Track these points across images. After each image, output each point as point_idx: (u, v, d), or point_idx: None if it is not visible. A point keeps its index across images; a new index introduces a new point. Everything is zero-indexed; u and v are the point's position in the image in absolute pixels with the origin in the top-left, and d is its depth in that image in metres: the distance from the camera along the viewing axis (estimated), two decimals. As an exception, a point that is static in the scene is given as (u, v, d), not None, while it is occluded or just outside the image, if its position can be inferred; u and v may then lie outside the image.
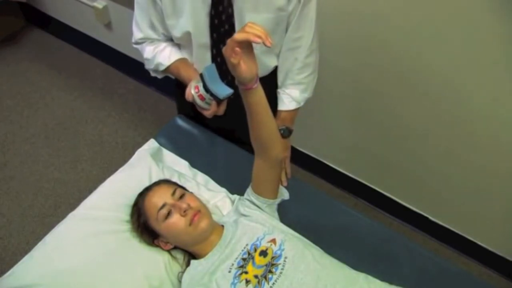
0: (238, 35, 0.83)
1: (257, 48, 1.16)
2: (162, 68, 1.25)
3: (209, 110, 1.13)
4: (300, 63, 1.23)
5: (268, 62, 1.24)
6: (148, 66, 1.30)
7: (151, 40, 1.25)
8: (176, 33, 1.16)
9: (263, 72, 1.25)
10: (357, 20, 1.51)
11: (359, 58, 1.61)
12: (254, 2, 1.07)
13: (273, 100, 1.29)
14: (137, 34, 1.24)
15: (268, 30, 1.11)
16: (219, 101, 1.09)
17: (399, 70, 1.55)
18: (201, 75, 1.07)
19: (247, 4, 1.07)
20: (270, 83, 1.29)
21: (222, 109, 1.16)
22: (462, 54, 1.38)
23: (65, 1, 2.41)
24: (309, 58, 1.24)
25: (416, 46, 1.45)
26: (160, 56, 1.24)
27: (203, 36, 1.13)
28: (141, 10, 1.18)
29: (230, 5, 1.07)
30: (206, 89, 1.06)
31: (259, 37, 0.82)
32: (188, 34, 1.15)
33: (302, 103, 1.32)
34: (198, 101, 1.10)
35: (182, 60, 1.25)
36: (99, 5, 2.23)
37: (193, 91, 1.10)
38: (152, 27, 1.20)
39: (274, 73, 1.29)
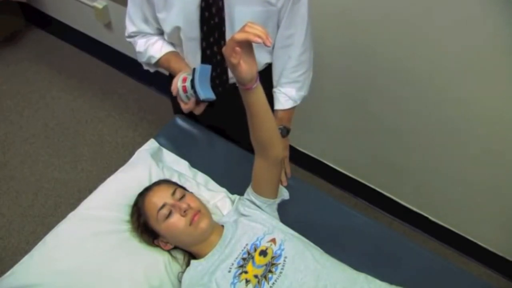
0: (238, 35, 0.83)
1: None
2: (153, 61, 1.25)
3: (187, 105, 1.13)
4: (294, 61, 1.23)
5: (258, 58, 1.24)
6: (141, 59, 1.30)
7: (144, 34, 1.25)
8: (167, 28, 1.16)
9: None
10: (356, 20, 1.51)
11: (357, 57, 1.61)
12: None
13: (269, 99, 1.30)
14: (130, 28, 1.24)
15: (259, 23, 1.11)
16: (198, 100, 1.09)
17: (399, 70, 1.55)
18: (194, 70, 1.07)
19: None
20: (265, 82, 1.29)
21: (199, 109, 1.15)
22: (461, 52, 1.38)
23: (65, 1, 2.41)
24: (303, 55, 1.23)
25: (415, 45, 1.45)
26: (152, 49, 1.24)
27: (193, 29, 1.13)
28: (134, 4, 1.18)
29: None
30: (192, 84, 1.06)
31: (259, 36, 0.82)
32: (177, 30, 1.15)
33: (298, 102, 1.32)
34: (181, 91, 1.10)
35: (173, 53, 1.24)
36: (99, 5, 2.23)
37: (179, 81, 1.10)
38: (146, 21, 1.20)
39: (268, 71, 1.29)
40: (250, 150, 1.11)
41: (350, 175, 2.10)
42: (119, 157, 2.19)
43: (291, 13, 1.14)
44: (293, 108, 1.32)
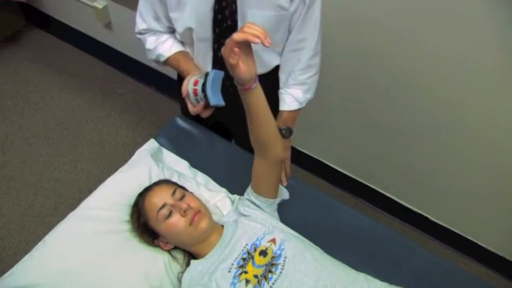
0: (236, 35, 0.83)
1: (257, 46, 1.16)
2: (162, 59, 1.25)
3: (195, 107, 1.13)
4: (303, 64, 1.23)
5: (268, 60, 1.24)
6: (149, 57, 1.30)
7: (154, 32, 1.24)
8: (179, 27, 1.16)
9: (263, 69, 1.25)
10: (359, 21, 1.51)
11: (358, 59, 1.61)
12: None
13: (274, 99, 1.29)
14: (140, 25, 1.24)
15: (270, 28, 1.09)
16: (208, 105, 1.10)
17: (399, 70, 1.55)
18: (206, 74, 1.07)
19: (250, 1, 1.07)
20: (272, 81, 1.29)
21: (206, 113, 1.16)
22: (463, 55, 1.38)
23: (65, 1, 2.41)
24: (313, 59, 1.23)
25: (416, 49, 1.45)
26: (162, 47, 1.24)
27: (205, 30, 1.13)
28: (145, 1, 1.18)
29: (234, 1, 1.07)
30: (203, 88, 1.06)
31: (258, 37, 0.82)
32: (190, 31, 1.15)
33: (304, 104, 1.31)
34: (191, 94, 1.10)
35: (182, 53, 1.25)
36: (99, 5, 2.23)
37: (191, 83, 1.10)
38: (157, 19, 1.20)
39: (275, 71, 1.29)
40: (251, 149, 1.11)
41: (350, 175, 2.10)
42: (119, 157, 2.19)
43: (305, 18, 1.13)
44: (298, 110, 1.31)
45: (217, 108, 1.15)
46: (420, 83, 1.54)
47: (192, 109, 1.13)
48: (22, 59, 2.61)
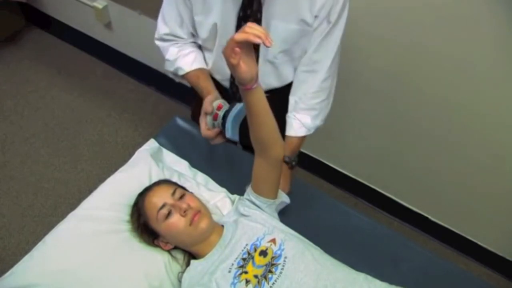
0: (237, 36, 0.83)
1: (277, 58, 1.15)
2: (181, 73, 1.24)
3: (208, 131, 1.12)
4: (316, 87, 1.20)
5: (287, 74, 1.22)
6: (168, 68, 1.28)
7: (176, 41, 1.23)
8: (203, 33, 1.15)
9: (279, 83, 1.24)
10: (361, 31, 1.51)
11: (363, 60, 1.61)
12: (281, 10, 1.06)
13: (281, 122, 1.25)
14: (162, 29, 1.21)
15: (292, 42, 1.10)
16: (222, 134, 1.10)
17: (398, 71, 1.55)
18: (233, 105, 1.07)
19: (275, 12, 1.06)
20: (280, 102, 1.27)
21: (216, 141, 1.15)
22: (463, 55, 1.38)
23: (65, 1, 2.41)
24: (326, 82, 1.20)
25: (414, 52, 1.45)
26: (183, 60, 1.22)
27: (228, 35, 1.12)
28: (170, 3, 1.16)
29: (259, 10, 1.06)
30: (224, 115, 1.06)
31: (259, 37, 0.81)
32: (214, 33, 1.13)
33: (312, 131, 1.27)
34: (210, 116, 1.10)
35: (203, 70, 1.23)
36: (99, 5, 2.23)
37: (215, 105, 1.10)
38: (181, 23, 1.18)
39: (285, 91, 1.27)
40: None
41: (350, 175, 2.10)
42: (119, 157, 2.18)
43: (327, 36, 1.11)
44: (305, 137, 1.27)
45: (228, 140, 1.14)
46: (420, 83, 1.54)
47: (205, 132, 1.12)
48: (22, 59, 2.61)
